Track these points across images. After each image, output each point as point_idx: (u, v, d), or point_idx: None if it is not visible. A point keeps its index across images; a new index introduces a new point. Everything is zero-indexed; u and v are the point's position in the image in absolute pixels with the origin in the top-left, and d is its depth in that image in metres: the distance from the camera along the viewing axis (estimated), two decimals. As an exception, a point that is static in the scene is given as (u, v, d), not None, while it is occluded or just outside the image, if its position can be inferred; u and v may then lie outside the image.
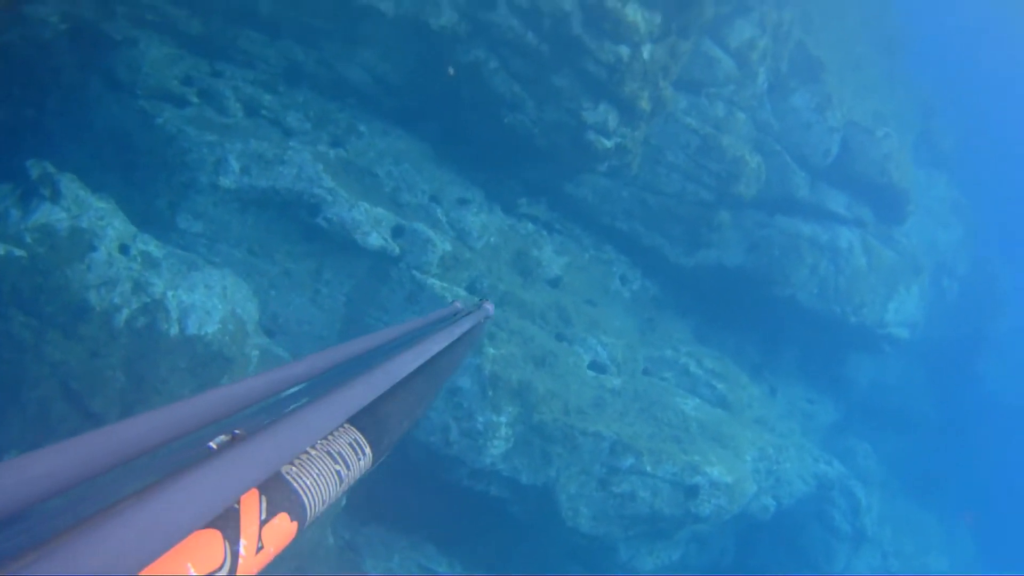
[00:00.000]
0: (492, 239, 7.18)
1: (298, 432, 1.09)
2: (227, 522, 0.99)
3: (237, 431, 1.06)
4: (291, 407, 1.19)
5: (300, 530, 1.20)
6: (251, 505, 1.07)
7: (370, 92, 6.65)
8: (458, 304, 2.56)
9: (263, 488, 1.12)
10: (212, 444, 1.04)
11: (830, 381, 10.94)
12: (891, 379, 12.63)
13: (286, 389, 1.30)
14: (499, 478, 7.13)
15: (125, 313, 5.31)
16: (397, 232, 6.44)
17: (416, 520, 7.61)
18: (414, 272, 6.52)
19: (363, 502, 6.92)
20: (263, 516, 1.09)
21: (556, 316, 7.44)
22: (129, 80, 5.46)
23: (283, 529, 1.14)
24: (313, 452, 1.32)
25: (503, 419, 6.75)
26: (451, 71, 6.40)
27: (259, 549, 1.06)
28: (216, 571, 0.94)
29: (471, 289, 6.85)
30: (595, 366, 7.77)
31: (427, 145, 7.00)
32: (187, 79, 5.67)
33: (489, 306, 2.64)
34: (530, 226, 7.68)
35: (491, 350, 6.72)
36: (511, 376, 6.82)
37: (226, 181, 5.57)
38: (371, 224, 6.14)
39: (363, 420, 1.53)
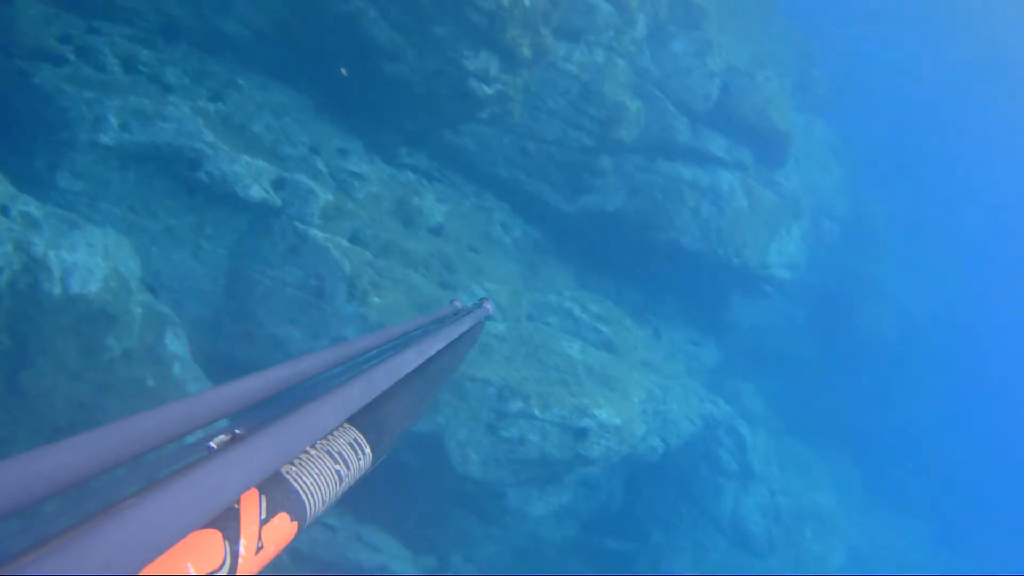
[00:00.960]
0: (373, 189, 8.41)
1: (298, 432, 1.24)
2: (227, 522, 1.13)
3: (237, 431, 1.21)
4: (291, 407, 1.35)
5: (300, 530, 1.36)
6: (251, 505, 1.21)
7: (248, 46, 7.64)
8: (458, 303, 2.91)
9: (263, 488, 1.27)
10: (212, 444, 1.17)
11: (714, 323, 12.89)
12: (773, 321, 14.84)
13: (286, 389, 1.48)
14: None
15: (7, 275, 6.23)
16: (278, 184, 7.56)
17: None
18: (296, 224, 7.66)
19: None
20: (263, 516, 1.23)
21: (439, 264, 8.80)
22: (5, 40, 6.23)
23: (283, 529, 1.28)
24: (313, 452, 1.51)
25: None
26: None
27: (259, 549, 1.19)
28: (216, 571, 1.06)
29: (354, 239, 8.06)
30: (481, 312, 9.20)
31: (306, 98, 8.08)
32: (64, 37, 6.47)
33: (489, 305, 3.07)
34: (411, 175, 8.95)
35: (376, 299, 7.98)
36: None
37: (105, 138, 6.49)
38: (252, 177, 7.23)
39: (363, 420, 1.75)
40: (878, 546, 17.68)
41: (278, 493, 1.34)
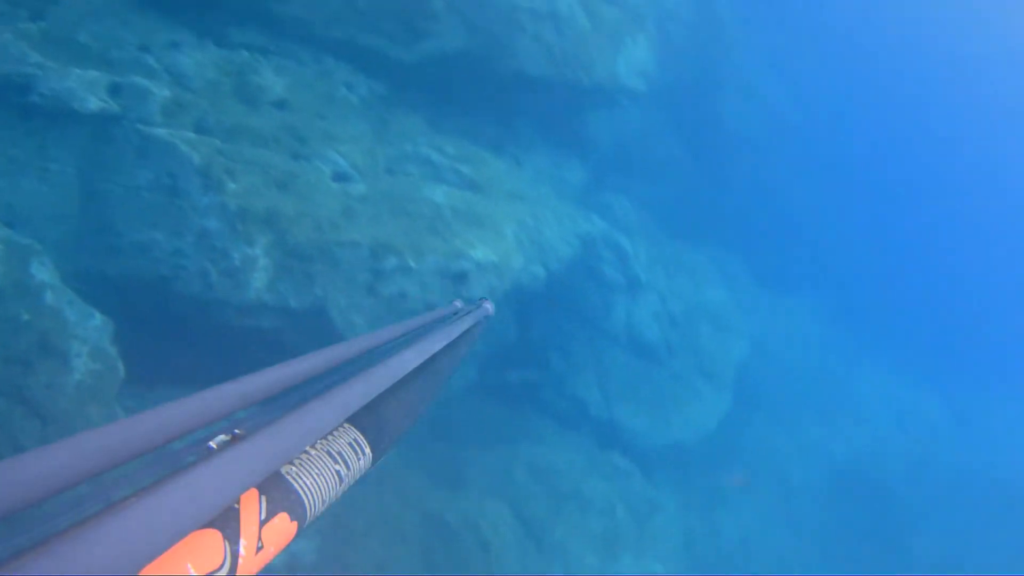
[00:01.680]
0: (210, 75, 9.45)
1: (298, 432, 1.41)
2: (227, 522, 1.29)
3: (237, 431, 1.39)
4: (291, 407, 1.52)
5: (300, 530, 1.54)
6: (251, 505, 1.38)
7: (51, -46, 8.37)
8: (458, 303, 3.24)
9: (263, 488, 1.44)
10: (212, 444, 1.35)
11: (574, 143, 14.53)
12: (634, 130, 16.62)
13: (286, 389, 1.65)
14: (268, 309, 9.62)
15: None
16: (114, 91, 8.55)
17: (199, 372, 10.19)
18: (139, 126, 8.71)
19: (141, 368, 9.26)
20: (263, 516, 1.41)
21: (289, 137, 9.99)
22: None
23: (283, 529, 1.46)
24: (313, 452, 1.68)
25: (258, 250, 9.28)
26: None
27: (259, 549, 1.36)
28: (216, 571, 1.21)
29: (199, 130, 9.17)
30: (338, 177, 10.44)
31: (125, -6, 8.92)
32: None
33: (489, 305, 3.42)
34: (246, 54, 9.97)
35: (232, 184, 9.17)
36: (257, 206, 9.32)
37: (-72, 79, 7.35)
38: (86, 89, 8.21)
39: (363, 420, 1.94)
40: (777, 328, 20.53)
41: (278, 493, 1.50)
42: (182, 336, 9.27)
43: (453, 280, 10.64)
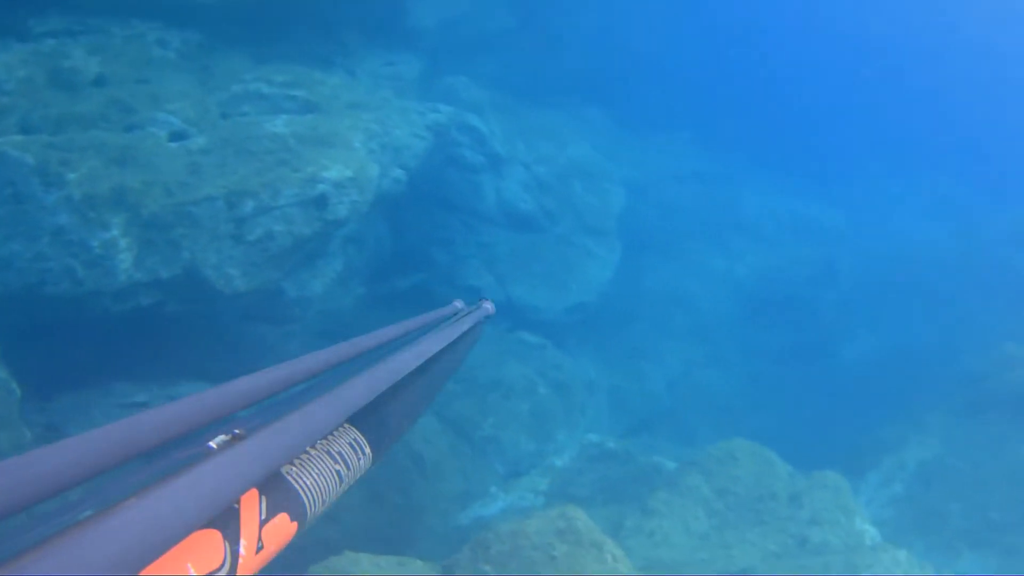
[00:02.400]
0: (21, 73, 10.23)
1: (298, 432, 1.56)
2: (227, 522, 1.42)
3: (237, 431, 1.50)
4: (291, 407, 1.67)
5: (300, 530, 1.70)
6: (251, 505, 1.52)
7: None
8: (458, 303, 3.47)
9: (263, 488, 1.59)
10: (212, 444, 1.46)
11: (402, 37, 15.63)
12: (459, 9, 17.59)
13: (286, 389, 1.83)
14: (141, 287, 10.29)
15: None
16: (-75, 113, 9.25)
17: (91, 369, 10.98)
18: (-39, 142, 9.45)
19: (38, 381, 10.00)
20: (263, 516, 1.55)
21: (116, 111, 10.84)
22: None
23: (283, 529, 1.61)
24: (313, 452, 1.89)
25: (115, 232, 10.03)
26: None
27: (259, 549, 1.50)
28: (216, 571, 1.34)
29: (25, 130, 9.96)
30: (175, 136, 11.28)
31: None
32: None
33: (489, 305, 3.68)
34: (51, 42, 10.79)
35: (71, 175, 10.00)
36: (102, 189, 10.15)
37: None
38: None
39: (363, 420, 2.20)
40: (652, 169, 22.15)
41: (278, 493, 1.65)
42: (67, 338, 10.03)
43: (315, 206, 11.61)
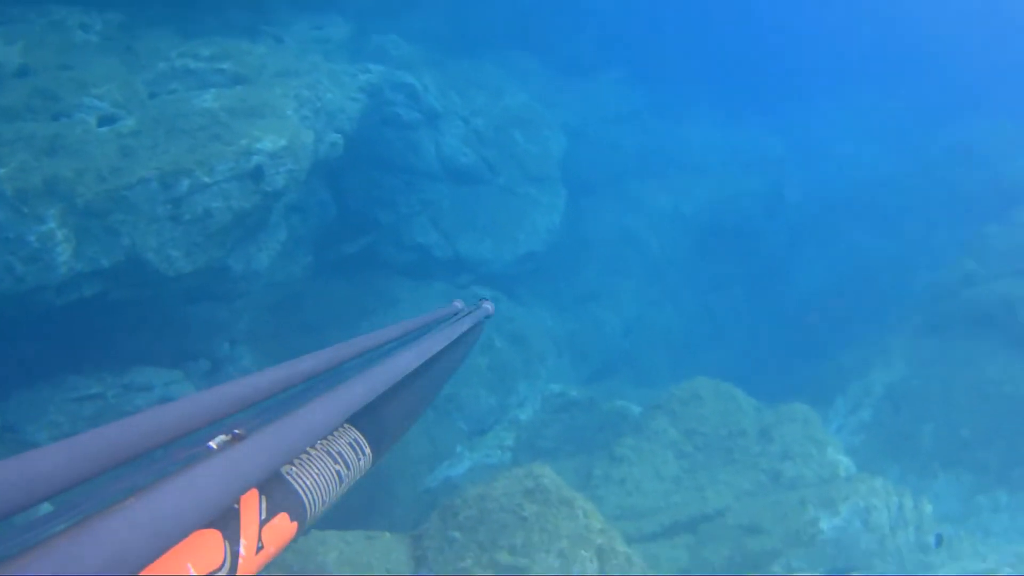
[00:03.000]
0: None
1: (298, 432, 1.57)
2: (227, 522, 1.45)
3: (237, 431, 1.54)
4: (291, 407, 1.69)
5: (300, 530, 1.72)
6: (251, 505, 1.55)
7: None
8: (458, 303, 3.52)
9: (263, 488, 1.61)
10: (212, 444, 1.50)
11: (327, 0, 15.31)
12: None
13: (286, 389, 1.87)
14: (83, 277, 10.15)
15: None
16: None
17: (41, 365, 10.91)
18: None
19: None
20: (263, 516, 1.57)
21: (42, 100, 10.68)
22: None
23: (283, 529, 1.64)
24: (313, 452, 1.92)
25: (52, 224, 9.96)
26: None
27: (259, 549, 1.52)
28: (216, 571, 1.36)
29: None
30: (104, 121, 11.13)
31: None
32: None
33: (489, 305, 3.72)
34: (-36, 34, 10.47)
35: (1, 170, 9.87)
36: (34, 181, 10.02)
37: None
38: None
39: (363, 420, 2.22)
40: (590, 111, 22.22)
41: (278, 493, 1.66)
42: (14, 336, 10.03)
43: (252, 179, 11.53)
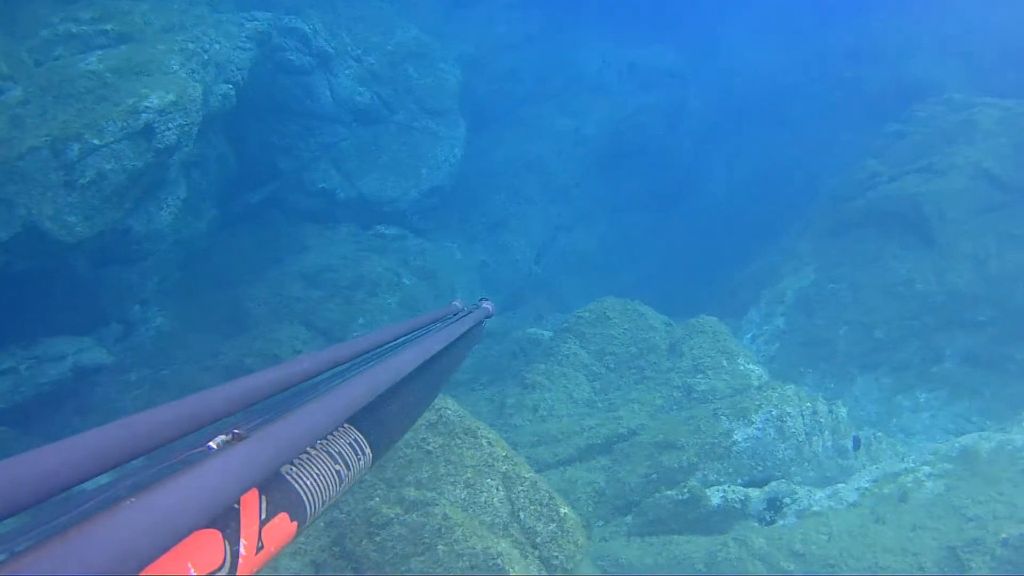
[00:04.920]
0: None
1: (298, 432, 1.59)
2: (227, 522, 1.46)
3: (237, 431, 1.55)
4: (291, 407, 1.72)
5: (300, 530, 1.74)
6: (251, 505, 1.56)
7: None
8: (458, 303, 3.56)
9: (263, 488, 1.63)
10: (212, 444, 1.51)
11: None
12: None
13: (286, 389, 1.89)
14: None
15: None
16: None
17: None
18: None
19: None
20: (263, 516, 1.59)
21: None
22: None
23: (283, 529, 1.66)
24: (313, 452, 1.95)
25: None
26: None
27: (259, 549, 1.54)
28: (216, 571, 1.37)
29: None
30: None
31: None
32: None
33: (488, 305, 3.78)
34: None
35: None
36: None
37: None
38: None
39: (363, 420, 2.25)
40: (481, 42, 22.45)
41: (278, 493, 1.69)
42: None
43: (143, 137, 11.65)
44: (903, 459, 10.87)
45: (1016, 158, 15.25)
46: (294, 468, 1.84)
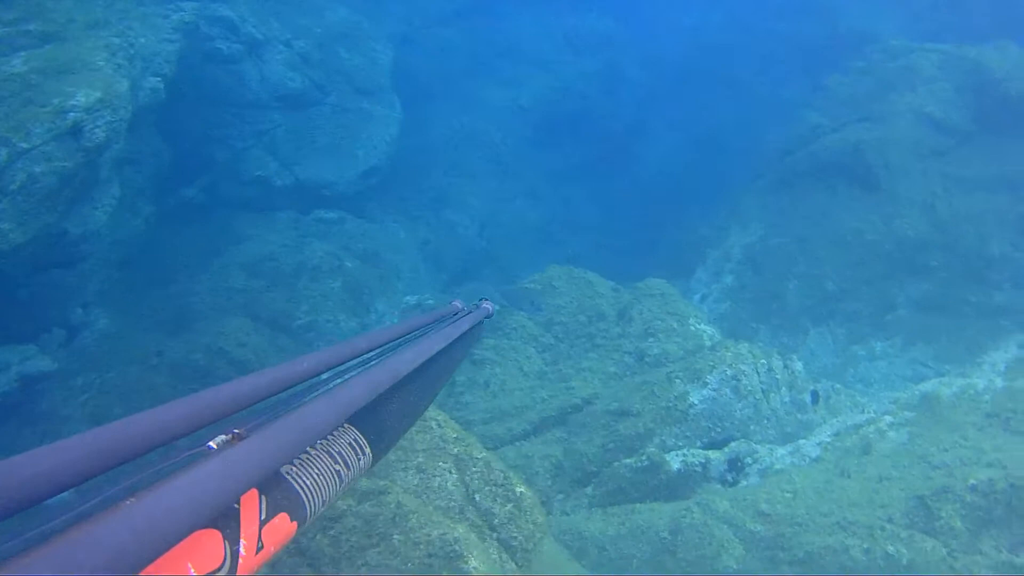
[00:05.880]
0: None
1: (298, 432, 1.62)
2: (227, 522, 1.49)
3: (237, 431, 1.57)
4: (291, 407, 1.75)
5: (300, 530, 1.77)
6: (251, 505, 1.59)
7: None
8: (457, 303, 3.59)
9: (263, 488, 1.66)
10: (212, 444, 1.53)
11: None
12: None
13: (286, 389, 1.92)
14: None
15: None
16: None
17: None
18: None
19: None
20: (263, 516, 1.62)
21: None
22: None
23: (283, 529, 1.69)
24: (313, 452, 1.98)
25: None
26: None
27: (259, 549, 1.56)
28: (216, 571, 1.40)
29: None
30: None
31: None
32: None
33: (488, 305, 3.80)
34: None
35: None
36: None
37: None
38: None
39: (363, 420, 2.29)
40: (412, 18, 22.64)
41: (278, 493, 1.72)
42: None
43: (71, 137, 11.54)
44: (863, 410, 11.07)
45: (959, 101, 15.56)
46: (294, 468, 1.87)
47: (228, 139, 16.79)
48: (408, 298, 16.04)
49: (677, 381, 10.58)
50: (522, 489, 7.79)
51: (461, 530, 6.90)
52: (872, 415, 10.75)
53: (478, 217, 20.22)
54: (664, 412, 10.30)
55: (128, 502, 1.17)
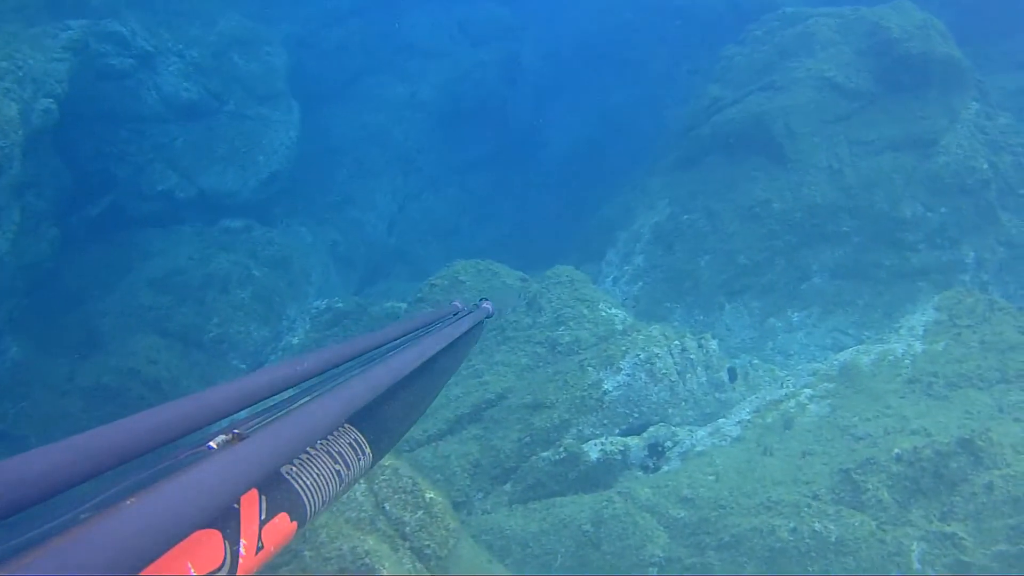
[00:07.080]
0: None
1: (298, 432, 1.63)
2: (227, 522, 1.49)
3: (237, 431, 1.60)
4: (291, 407, 1.78)
5: (300, 530, 1.76)
6: (251, 505, 1.59)
7: None
8: (458, 303, 3.61)
9: (263, 488, 1.66)
10: (212, 444, 1.55)
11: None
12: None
13: (286, 389, 1.92)
14: None
15: None
16: None
17: None
18: None
19: None
20: (263, 516, 1.62)
21: None
22: None
23: (283, 529, 1.69)
24: (313, 452, 1.99)
25: None
26: None
27: (259, 549, 1.57)
28: (216, 571, 1.40)
29: None
30: None
31: None
32: None
33: (488, 305, 3.83)
34: None
35: None
36: None
37: None
38: None
39: (363, 420, 2.31)
40: (306, 20, 22.75)
41: (278, 493, 1.74)
42: None
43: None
44: (782, 384, 11.00)
45: (859, 64, 15.61)
46: (294, 468, 1.89)
47: (128, 155, 16.83)
48: (316, 303, 15.96)
49: (590, 369, 10.61)
50: (431, 495, 7.77)
51: (372, 542, 6.91)
52: (791, 389, 10.72)
53: (386, 215, 20.49)
54: (579, 401, 10.32)
55: (128, 502, 1.21)
